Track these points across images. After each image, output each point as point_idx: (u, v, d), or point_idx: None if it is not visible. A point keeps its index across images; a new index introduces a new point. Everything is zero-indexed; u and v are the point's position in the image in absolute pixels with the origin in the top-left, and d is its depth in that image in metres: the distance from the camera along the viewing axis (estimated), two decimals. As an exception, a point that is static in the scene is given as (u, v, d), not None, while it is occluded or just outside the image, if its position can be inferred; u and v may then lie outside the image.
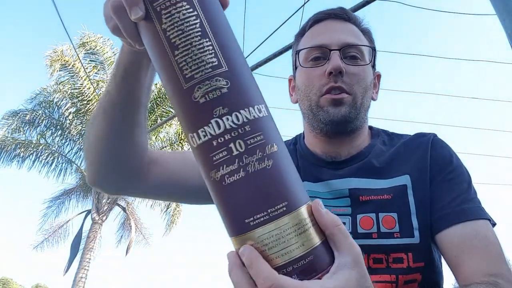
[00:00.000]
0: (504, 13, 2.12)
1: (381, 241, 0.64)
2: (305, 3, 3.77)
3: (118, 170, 0.65)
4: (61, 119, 9.77)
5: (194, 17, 0.36)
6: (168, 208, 10.60)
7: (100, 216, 9.73)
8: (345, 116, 0.70)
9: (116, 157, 0.63)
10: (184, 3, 0.36)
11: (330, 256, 0.35)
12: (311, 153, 0.78)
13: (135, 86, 0.57)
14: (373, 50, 0.78)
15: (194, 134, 0.36)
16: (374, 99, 0.80)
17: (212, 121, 0.35)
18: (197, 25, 0.36)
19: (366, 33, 0.79)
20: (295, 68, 0.82)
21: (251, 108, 0.36)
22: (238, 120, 0.35)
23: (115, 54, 9.83)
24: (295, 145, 0.85)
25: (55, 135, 9.81)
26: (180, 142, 9.91)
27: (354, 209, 0.67)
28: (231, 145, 0.34)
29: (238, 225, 0.35)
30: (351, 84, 0.71)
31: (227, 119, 0.34)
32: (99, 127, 0.61)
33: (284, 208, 0.34)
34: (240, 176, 0.34)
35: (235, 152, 0.34)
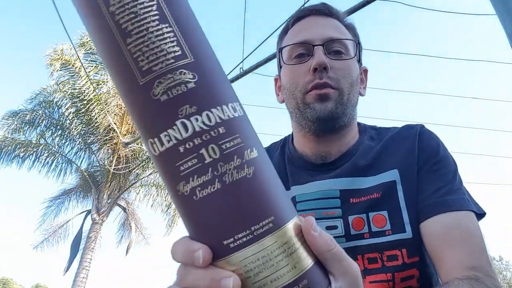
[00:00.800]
0: (504, 13, 2.12)
1: (373, 240, 0.63)
2: (305, 3, 3.77)
3: None
4: (61, 119, 9.76)
5: None
6: (168, 208, 10.59)
7: (100, 216, 9.71)
8: (332, 111, 0.69)
9: None
10: None
11: (326, 277, 0.31)
12: (299, 155, 0.77)
13: None
14: (358, 44, 0.77)
15: (155, 139, 0.29)
16: (362, 95, 0.79)
17: (178, 122, 0.28)
18: (154, 7, 0.30)
19: (350, 28, 0.78)
20: (280, 67, 0.80)
21: (224, 107, 0.30)
22: (210, 121, 0.29)
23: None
24: (283, 147, 0.83)
25: (55, 135, 9.80)
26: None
27: (345, 210, 0.67)
28: (203, 151, 0.28)
29: (215, 248, 0.29)
30: (337, 79, 0.70)
31: (196, 119, 0.29)
32: None
33: (271, 225, 0.29)
34: (215, 188, 0.28)
35: (208, 160, 0.28)
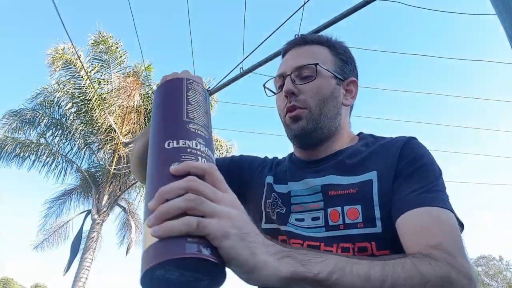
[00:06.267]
0: (504, 13, 2.12)
1: (346, 232, 0.68)
2: (305, 3, 3.77)
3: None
4: (62, 119, 9.77)
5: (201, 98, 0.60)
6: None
7: (101, 216, 9.72)
8: (303, 128, 0.80)
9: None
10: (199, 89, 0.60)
11: None
12: (297, 158, 0.90)
13: None
14: (340, 61, 0.86)
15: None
16: (345, 104, 0.87)
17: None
18: (204, 105, 0.59)
19: (332, 46, 0.88)
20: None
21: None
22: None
23: (121, 57, 9.81)
24: (292, 153, 0.95)
25: (55, 134, 9.80)
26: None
27: (325, 203, 0.73)
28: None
29: None
30: (305, 100, 0.81)
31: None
32: (135, 154, 0.89)
33: None
34: None
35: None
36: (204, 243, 0.39)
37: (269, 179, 0.87)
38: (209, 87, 5.93)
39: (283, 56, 0.92)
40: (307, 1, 3.76)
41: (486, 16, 3.16)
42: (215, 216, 0.40)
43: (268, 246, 0.43)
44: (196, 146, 0.49)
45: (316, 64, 0.82)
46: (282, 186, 0.83)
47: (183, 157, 0.47)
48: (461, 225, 0.66)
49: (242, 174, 0.94)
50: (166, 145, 0.49)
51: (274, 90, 0.91)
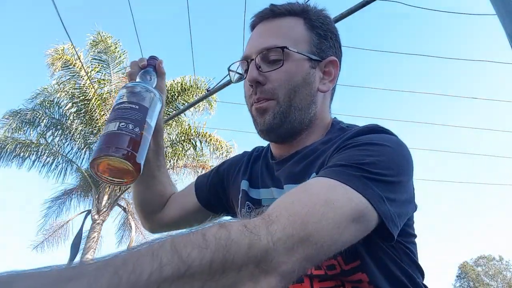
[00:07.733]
0: (504, 13, 2.12)
1: None
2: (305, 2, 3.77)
3: (146, 210, 0.94)
4: (62, 119, 9.76)
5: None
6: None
7: (101, 216, 9.72)
8: (270, 123, 0.69)
9: (143, 200, 0.93)
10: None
11: None
12: (270, 154, 0.79)
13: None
14: (318, 38, 0.72)
15: None
16: (321, 90, 0.73)
17: None
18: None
19: (308, 18, 0.73)
20: None
21: None
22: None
23: (120, 57, 9.81)
24: (268, 149, 0.83)
25: (55, 134, 9.80)
26: (180, 143, 9.91)
27: None
28: None
29: None
30: (272, 90, 0.69)
31: None
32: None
33: None
34: None
35: None
36: None
37: (244, 184, 0.78)
38: (209, 87, 5.93)
39: (251, 31, 0.77)
40: (307, 1, 3.76)
41: (486, 16, 3.16)
42: None
43: None
44: None
45: (283, 48, 0.68)
46: (256, 191, 0.75)
47: None
48: (385, 227, 0.51)
49: (224, 188, 0.87)
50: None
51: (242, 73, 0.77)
